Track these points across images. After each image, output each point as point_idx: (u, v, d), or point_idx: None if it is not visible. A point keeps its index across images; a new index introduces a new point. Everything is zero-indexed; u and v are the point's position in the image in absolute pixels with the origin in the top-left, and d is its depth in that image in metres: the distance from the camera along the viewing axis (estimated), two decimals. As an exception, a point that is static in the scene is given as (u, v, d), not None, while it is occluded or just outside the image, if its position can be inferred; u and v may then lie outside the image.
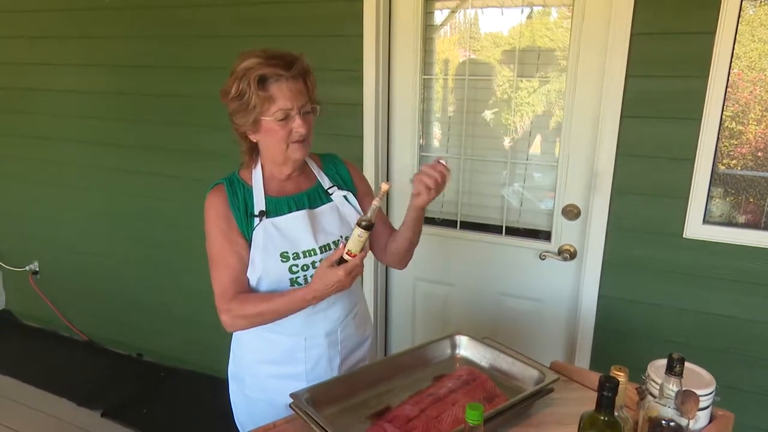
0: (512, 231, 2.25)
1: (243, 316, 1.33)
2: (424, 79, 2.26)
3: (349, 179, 1.51)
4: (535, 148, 2.19)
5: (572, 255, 2.13)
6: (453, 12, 2.20)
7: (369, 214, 1.25)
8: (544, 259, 2.17)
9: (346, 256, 1.25)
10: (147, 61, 2.70)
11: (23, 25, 2.99)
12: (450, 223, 2.35)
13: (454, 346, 1.49)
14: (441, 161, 1.31)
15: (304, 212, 1.39)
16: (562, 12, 2.03)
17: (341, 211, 1.44)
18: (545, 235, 2.20)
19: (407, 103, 2.28)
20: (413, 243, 1.48)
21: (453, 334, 1.51)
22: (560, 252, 2.14)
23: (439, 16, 2.22)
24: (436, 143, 2.35)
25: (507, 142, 2.21)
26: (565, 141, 2.07)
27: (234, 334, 1.53)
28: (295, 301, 1.30)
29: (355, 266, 1.25)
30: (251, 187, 1.39)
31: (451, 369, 1.42)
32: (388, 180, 1.25)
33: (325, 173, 1.49)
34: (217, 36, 2.48)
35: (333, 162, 1.52)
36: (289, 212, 1.38)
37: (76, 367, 3.18)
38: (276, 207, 1.38)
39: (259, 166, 1.41)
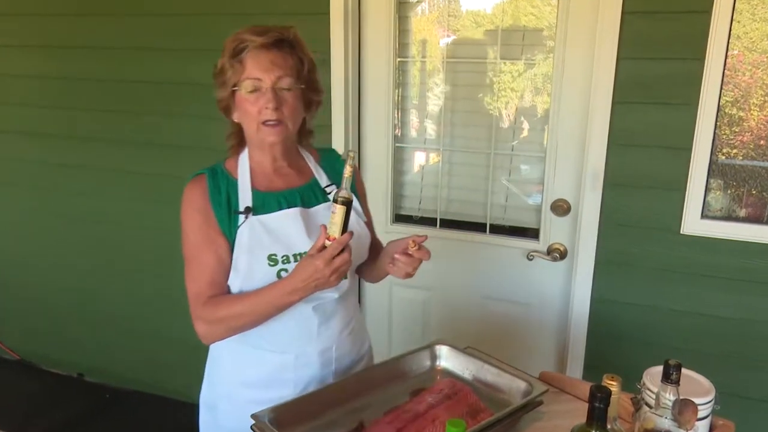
0: (497, 229, 2.27)
1: (218, 319, 1.30)
2: (399, 62, 2.26)
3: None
4: (521, 137, 2.22)
5: (562, 254, 2.17)
6: (429, -13, 2.21)
7: (344, 187, 1.20)
8: (532, 260, 2.20)
9: (327, 242, 1.21)
10: (97, 42, 2.64)
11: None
12: (429, 222, 2.37)
13: (433, 357, 1.50)
14: (422, 244, 1.32)
15: (297, 210, 1.36)
16: (549, -12, 2.06)
17: None
18: (533, 233, 2.23)
19: (380, 89, 2.29)
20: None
21: (433, 343, 1.52)
22: (549, 251, 2.18)
23: (414, -8, 2.23)
24: (413, 133, 2.36)
25: (490, 131, 2.23)
26: (553, 129, 2.10)
27: (210, 353, 1.49)
28: (272, 296, 1.26)
29: (334, 251, 1.20)
30: (236, 179, 1.36)
31: (430, 382, 1.43)
32: (350, 150, 1.24)
33: (323, 170, 1.46)
34: (172, 14, 2.45)
35: (333, 158, 1.51)
36: (280, 209, 1.36)
37: (7, 390, 3.11)
38: (264, 203, 1.35)
39: (245, 155, 1.39)
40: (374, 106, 2.32)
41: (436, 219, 2.35)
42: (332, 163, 1.49)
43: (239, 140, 1.41)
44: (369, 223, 1.51)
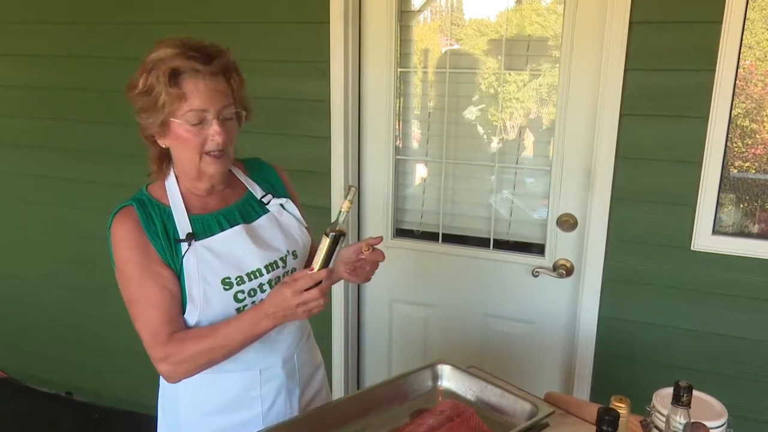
0: (501, 244, 2.28)
1: (186, 359, 1.24)
2: (400, 72, 2.28)
3: (280, 186, 1.49)
4: (526, 149, 2.22)
5: (569, 271, 2.17)
6: (432, -4, 2.23)
7: (338, 221, 1.20)
8: (537, 276, 2.19)
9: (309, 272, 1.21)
10: (76, 51, 2.67)
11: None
12: (431, 236, 2.37)
13: (435, 377, 1.50)
14: (376, 246, 1.35)
15: (240, 227, 1.35)
16: (555, -4, 2.08)
17: (281, 221, 1.42)
18: (538, 249, 2.23)
19: (381, 100, 2.30)
20: None
21: (434, 363, 1.52)
22: (555, 267, 2.18)
23: (417, 0, 2.25)
24: (414, 145, 2.37)
25: (494, 143, 2.24)
26: (558, 142, 2.11)
27: (161, 390, 1.48)
28: (246, 323, 1.24)
29: (305, 284, 1.18)
30: (168, 206, 1.32)
31: (432, 403, 1.42)
32: (351, 185, 1.24)
33: (253, 181, 1.45)
34: (161, 22, 2.46)
35: (260, 167, 1.50)
36: (222, 231, 1.33)
37: (-8, 410, 3.10)
38: (204, 227, 1.32)
39: (172, 178, 1.35)
40: (375, 117, 2.33)
41: (438, 234, 2.35)
42: (262, 173, 1.49)
43: (163, 164, 1.35)
44: (309, 228, 1.51)
